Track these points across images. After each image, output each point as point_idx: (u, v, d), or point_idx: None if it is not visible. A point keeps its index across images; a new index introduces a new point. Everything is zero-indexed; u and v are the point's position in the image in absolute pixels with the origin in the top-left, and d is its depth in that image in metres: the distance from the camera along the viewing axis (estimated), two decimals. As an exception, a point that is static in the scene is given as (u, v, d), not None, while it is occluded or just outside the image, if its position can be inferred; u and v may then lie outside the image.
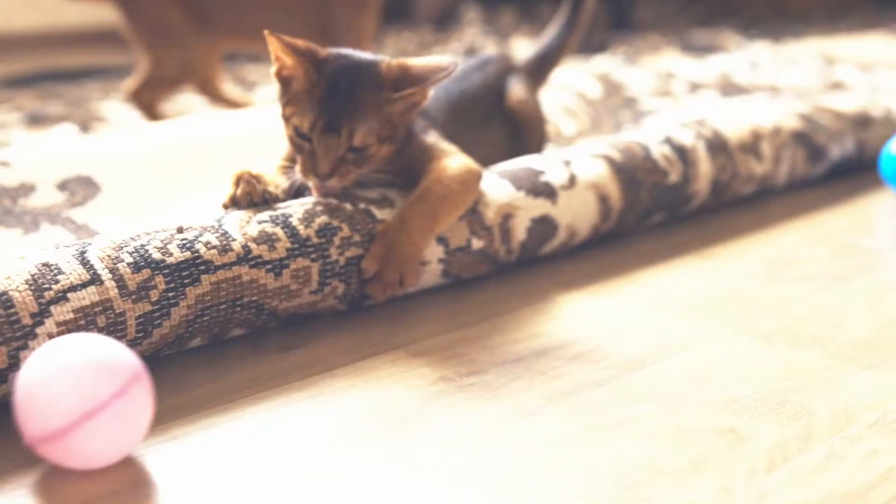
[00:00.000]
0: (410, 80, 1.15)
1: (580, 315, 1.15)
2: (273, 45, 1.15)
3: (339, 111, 1.13)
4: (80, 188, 1.39)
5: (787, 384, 0.97)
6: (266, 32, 1.14)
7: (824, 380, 0.98)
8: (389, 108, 1.15)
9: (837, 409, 0.91)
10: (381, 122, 1.14)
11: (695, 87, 2.36)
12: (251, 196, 1.15)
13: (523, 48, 3.19)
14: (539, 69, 1.60)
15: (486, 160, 1.31)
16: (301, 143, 1.15)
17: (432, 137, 1.23)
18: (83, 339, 0.83)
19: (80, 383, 0.79)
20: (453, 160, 1.19)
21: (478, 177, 1.21)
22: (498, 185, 1.25)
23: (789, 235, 1.44)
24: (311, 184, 1.16)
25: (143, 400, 0.82)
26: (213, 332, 1.04)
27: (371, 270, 1.10)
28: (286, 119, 1.16)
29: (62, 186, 1.39)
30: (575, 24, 1.62)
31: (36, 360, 0.81)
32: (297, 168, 1.16)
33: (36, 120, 2.15)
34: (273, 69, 1.18)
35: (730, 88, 2.35)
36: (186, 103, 2.38)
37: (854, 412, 0.91)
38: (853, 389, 0.96)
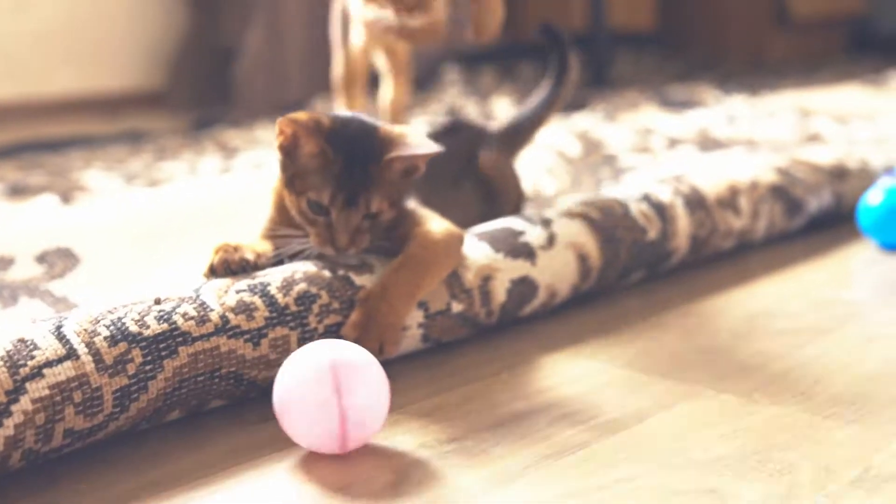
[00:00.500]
0: (405, 149, 1.16)
1: (561, 377, 1.15)
2: (283, 124, 1.15)
3: (356, 183, 1.14)
4: (60, 260, 1.39)
5: (770, 441, 0.96)
6: (279, 120, 1.15)
7: (807, 436, 0.97)
8: (392, 173, 1.17)
9: (820, 466, 0.91)
10: (389, 187, 1.16)
11: (673, 143, 2.38)
12: (228, 264, 1.14)
13: (504, 108, 3.22)
14: (516, 135, 1.60)
15: (459, 223, 1.31)
16: (315, 217, 1.16)
17: (411, 203, 1.24)
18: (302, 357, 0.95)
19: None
20: (435, 225, 1.20)
21: (460, 241, 1.21)
22: (477, 246, 1.25)
23: (769, 290, 1.45)
24: (323, 252, 1.17)
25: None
26: (191, 404, 1.03)
27: (351, 338, 1.10)
28: (298, 193, 1.16)
29: (41, 259, 1.39)
30: (557, 94, 1.64)
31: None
32: (311, 240, 1.17)
33: (17, 191, 2.15)
34: (278, 141, 1.18)
35: (708, 143, 2.37)
36: (167, 171, 2.39)
37: (836, 468, 0.90)
38: (836, 445, 0.95)
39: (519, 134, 1.61)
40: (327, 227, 1.16)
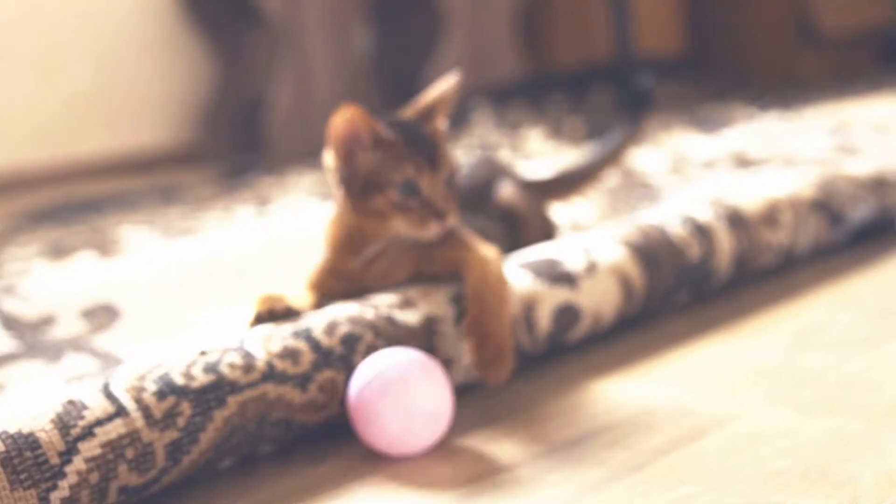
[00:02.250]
0: (432, 112, 1.21)
1: (612, 401, 1.14)
2: (335, 126, 1.15)
3: (428, 147, 1.16)
4: (101, 315, 1.40)
5: (829, 454, 0.95)
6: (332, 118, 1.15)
7: (866, 446, 0.96)
8: (440, 129, 1.20)
9: (883, 474, 0.89)
10: (445, 146, 1.20)
11: (709, 164, 2.37)
12: (274, 313, 1.15)
13: (535, 141, 3.22)
14: (551, 181, 1.64)
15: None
16: (408, 202, 1.15)
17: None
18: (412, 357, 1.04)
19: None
20: (484, 249, 1.21)
21: (503, 261, 1.22)
22: (518, 275, 1.25)
23: (817, 303, 1.43)
24: (426, 236, 1.17)
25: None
26: (242, 452, 1.03)
27: (474, 362, 1.13)
28: (381, 190, 1.15)
29: (83, 314, 1.40)
30: (605, 159, 1.66)
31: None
32: (409, 230, 1.16)
33: (56, 251, 2.18)
34: (334, 148, 1.17)
35: (744, 162, 2.36)
36: (203, 221, 2.41)
37: (901, 477, 0.89)
38: (896, 454, 0.94)
39: (555, 182, 1.64)
40: (424, 204, 1.15)
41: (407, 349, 1.06)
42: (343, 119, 1.14)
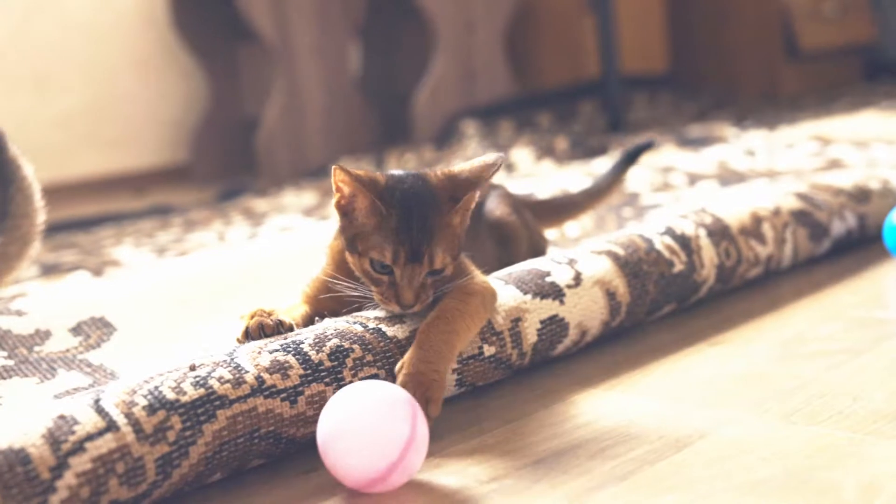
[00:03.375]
0: (462, 187, 1.16)
1: (598, 412, 1.15)
2: (338, 177, 1.15)
3: (417, 239, 1.12)
4: (95, 330, 1.41)
5: (812, 461, 0.96)
6: (334, 167, 1.15)
7: (849, 454, 0.97)
8: (452, 222, 1.16)
9: (864, 482, 0.91)
10: (450, 238, 1.15)
11: (694, 179, 2.39)
12: (264, 328, 1.16)
13: (524, 159, 3.24)
14: (544, 208, 1.66)
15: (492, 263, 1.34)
16: (379, 277, 1.14)
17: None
18: (365, 388, 1.00)
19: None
20: (474, 278, 1.20)
21: (494, 296, 1.21)
22: (504, 289, 1.26)
23: (800, 314, 1.44)
24: (387, 310, 1.16)
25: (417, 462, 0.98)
26: (232, 466, 1.04)
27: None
28: (360, 254, 1.15)
29: (76, 330, 1.40)
30: (605, 187, 1.69)
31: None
32: (376, 298, 1.15)
33: (50, 270, 2.19)
34: (334, 199, 1.18)
35: (729, 177, 2.38)
36: (196, 241, 2.42)
37: (882, 483, 0.90)
38: (878, 460, 0.95)
39: (546, 210, 1.66)
40: (391, 286, 1.14)
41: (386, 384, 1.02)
42: (350, 181, 1.14)
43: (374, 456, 0.95)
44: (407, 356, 1.11)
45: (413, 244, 1.12)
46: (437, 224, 1.14)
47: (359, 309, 1.22)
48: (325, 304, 1.25)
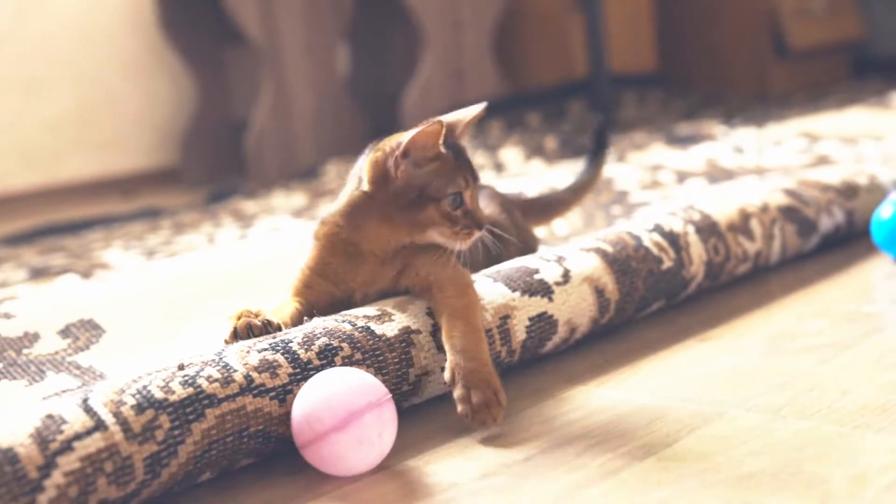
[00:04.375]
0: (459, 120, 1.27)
1: (587, 408, 1.15)
2: (430, 136, 1.18)
3: (469, 164, 1.22)
4: (84, 332, 1.41)
5: (800, 455, 0.96)
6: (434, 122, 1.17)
7: (837, 447, 0.97)
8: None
9: (852, 475, 0.91)
10: None
11: (683, 177, 2.39)
12: (252, 328, 1.16)
13: (514, 158, 3.24)
14: (532, 207, 1.66)
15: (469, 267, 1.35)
16: (455, 215, 1.19)
17: None
18: (345, 370, 1.06)
19: (343, 395, 1.01)
20: (450, 270, 1.22)
21: (471, 280, 1.24)
22: (492, 287, 1.26)
23: (789, 310, 1.45)
24: (463, 246, 1.21)
25: (380, 423, 1.01)
26: (221, 465, 1.04)
27: (465, 411, 1.09)
28: (434, 200, 1.19)
29: (65, 332, 1.40)
30: (586, 181, 1.69)
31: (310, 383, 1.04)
32: (452, 241, 1.20)
33: (39, 273, 2.18)
34: (389, 161, 1.20)
35: (717, 174, 2.38)
36: (186, 243, 2.41)
37: (870, 476, 0.90)
38: (866, 453, 0.95)
39: (537, 203, 1.68)
40: (467, 215, 1.20)
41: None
42: (425, 132, 1.17)
43: (319, 410, 1.00)
44: (451, 363, 1.12)
45: (471, 168, 1.22)
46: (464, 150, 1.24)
47: (348, 307, 1.22)
48: (317, 292, 1.25)
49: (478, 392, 1.09)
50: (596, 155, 1.69)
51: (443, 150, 1.19)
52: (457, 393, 1.10)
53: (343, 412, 1.00)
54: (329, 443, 1.00)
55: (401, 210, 1.20)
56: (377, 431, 1.01)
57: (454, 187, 1.19)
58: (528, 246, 1.53)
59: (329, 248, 1.25)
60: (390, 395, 1.04)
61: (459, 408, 1.09)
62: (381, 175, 1.21)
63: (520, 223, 1.53)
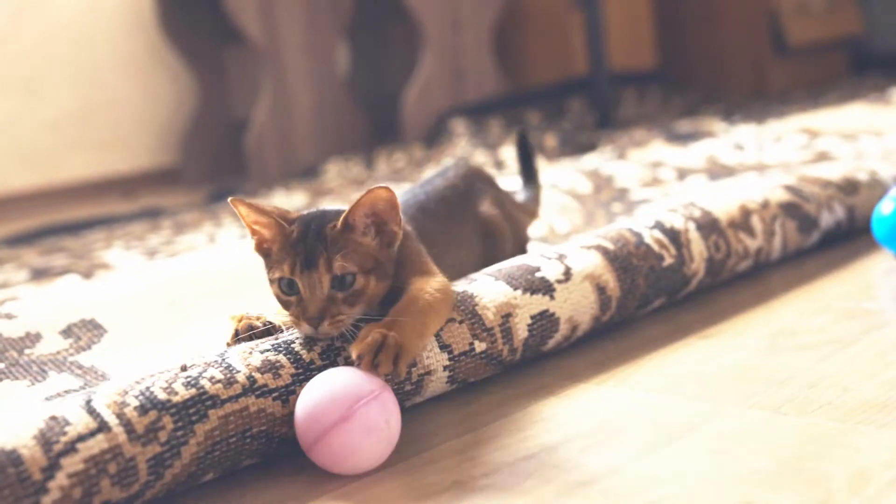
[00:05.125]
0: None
1: (589, 406, 1.15)
2: (242, 211, 1.15)
3: (312, 248, 1.11)
4: (85, 332, 1.41)
5: (802, 452, 0.96)
6: (230, 200, 1.15)
7: (838, 444, 0.97)
8: (363, 241, 1.14)
9: (854, 472, 0.91)
10: (360, 253, 1.13)
11: (683, 174, 2.39)
12: (252, 329, 1.16)
13: (513, 157, 3.24)
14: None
15: (461, 261, 1.35)
16: (288, 299, 1.13)
17: (418, 244, 1.24)
18: (341, 368, 1.06)
19: (345, 388, 1.02)
20: (434, 277, 1.19)
21: (453, 295, 1.20)
22: (494, 286, 1.26)
23: (790, 306, 1.45)
24: (304, 333, 1.13)
25: (385, 411, 1.02)
26: (224, 465, 1.04)
27: (355, 354, 1.05)
28: (271, 283, 1.14)
29: (67, 332, 1.40)
30: (538, 194, 1.71)
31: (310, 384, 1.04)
32: (292, 325, 1.13)
33: (40, 274, 2.18)
34: (253, 244, 1.17)
35: (718, 171, 2.38)
36: (187, 243, 2.41)
37: (872, 472, 0.90)
38: (868, 450, 0.95)
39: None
40: (299, 303, 1.11)
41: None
42: (251, 209, 1.15)
43: (321, 408, 1.01)
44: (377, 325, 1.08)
45: (308, 253, 1.10)
46: (337, 237, 1.12)
47: None
48: None
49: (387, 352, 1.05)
50: (527, 169, 1.70)
51: (284, 228, 1.13)
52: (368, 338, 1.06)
53: (348, 401, 1.00)
54: (338, 434, 1.00)
55: (269, 281, 1.16)
56: (384, 418, 1.01)
57: (278, 270, 1.12)
58: (519, 241, 1.52)
59: None
60: (389, 386, 1.05)
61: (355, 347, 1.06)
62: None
63: (513, 216, 1.53)
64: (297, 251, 1.11)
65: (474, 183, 1.49)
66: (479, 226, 1.45)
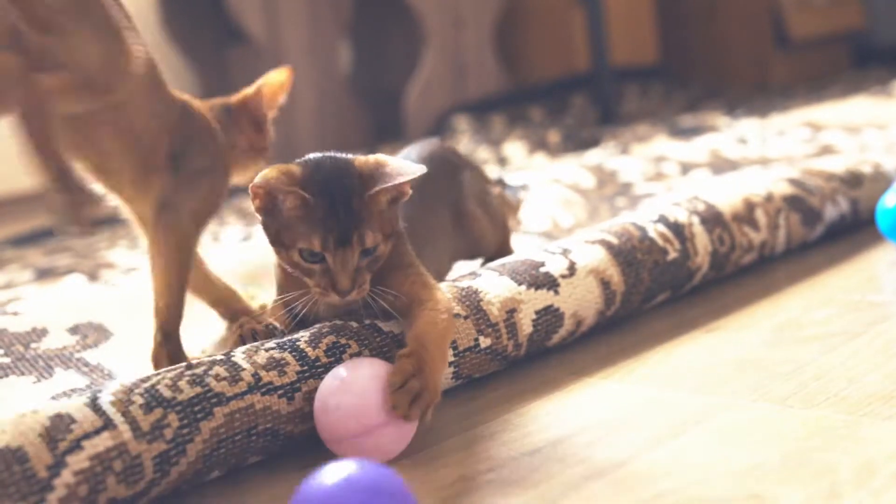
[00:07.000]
0: (385, 179, 1.11)
1: (594, 400, 1.15)
2: (254, 187, 1.11)
3: (344, 222, 1.09)
4: (92, 332, 1.41)
5: (808, 444, 0.96)
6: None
7: (844, 436, 0.97)
8: (379, 202, 1.12)
9: (860, 464, 0.91)
10: (379, 219, 1.12)
11: (687, 168, 2.39)
12: (256, 333, 1.16)
13: (517, 153, 3.24)
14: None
15: (437, 249, 1.34)
16: (310, 267, 1.11)
17: (408, 245, 1.21)
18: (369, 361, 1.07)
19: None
20: (438, 295, 1.15)
21: (453, 309, 1.18)
22: (499, 281, 1.26)
23: (795, 299, 1.45)
24: (328, 301, 1.13)
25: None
26: (230, 463, 1.04)
27: (391, 404, 1.02)
28: (287, 247, 1.12)
29: (74, 329, 1.41)
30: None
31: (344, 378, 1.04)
32: (313, 292, 1.12)
33: (45, 274, 2.18)
34: (255, 205, 1.14)
35: (721, 165, 2.38)
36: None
37: (877, 464, 0.90)
38: (874, 442, 0.95)
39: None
40: (325, 273, 1.11)
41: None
42: (264, 184, 1.10)
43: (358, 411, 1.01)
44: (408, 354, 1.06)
45: (342, 228, 1.09)
46: (362, 206, 1.10)
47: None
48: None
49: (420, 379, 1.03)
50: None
51: (305, 198, 1.09)
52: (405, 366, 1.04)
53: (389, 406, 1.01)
54: (374, 436, 1.01)
55: (272, 239, 1.14)
56: (415, 423, 1.03)
57: (305, 241, 1.10)
58: (501, 237, 1.52)
59: (284, 285, 1.22)
60: None
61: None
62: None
63: (492, 209, 1.50)
64: (329, 227, 1.09)
65: (453, 165, 1.47)
66: (458, 220, 1.43)
